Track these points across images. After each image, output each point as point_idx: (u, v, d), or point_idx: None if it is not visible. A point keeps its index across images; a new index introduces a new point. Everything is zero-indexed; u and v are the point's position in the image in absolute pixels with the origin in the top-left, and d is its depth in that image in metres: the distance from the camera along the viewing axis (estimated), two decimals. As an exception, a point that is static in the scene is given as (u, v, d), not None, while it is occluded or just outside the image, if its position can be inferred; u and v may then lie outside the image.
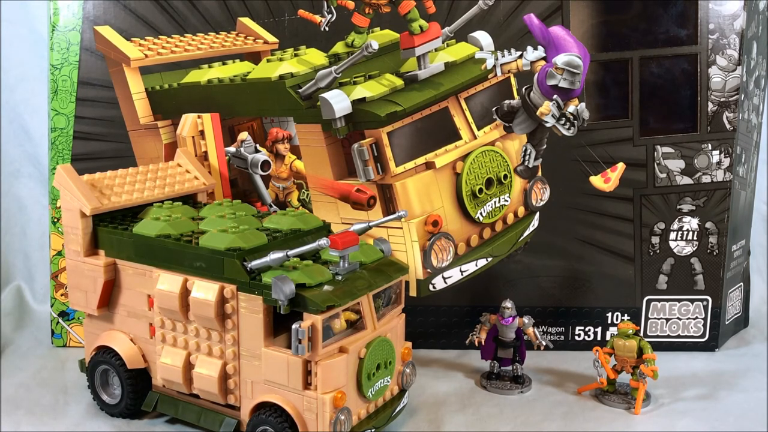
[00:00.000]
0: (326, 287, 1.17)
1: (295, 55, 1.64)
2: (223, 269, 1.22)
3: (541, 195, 1.72)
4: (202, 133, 1.66)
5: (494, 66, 1.62)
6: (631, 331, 1.47)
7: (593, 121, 1.67)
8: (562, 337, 1.75)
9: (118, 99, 1.68)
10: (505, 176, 1.69)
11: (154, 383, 1.38)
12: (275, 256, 1.19)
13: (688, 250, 1.72)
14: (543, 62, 1.60)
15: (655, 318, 1.74)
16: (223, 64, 1.71)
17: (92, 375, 1.42)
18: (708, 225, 1.71)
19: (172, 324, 1.31)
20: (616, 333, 1.51)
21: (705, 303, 1.74)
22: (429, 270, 1.67)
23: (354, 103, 1.56)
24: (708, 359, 1.72)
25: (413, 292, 1.68)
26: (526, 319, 1.55)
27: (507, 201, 1.70)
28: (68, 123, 1.67)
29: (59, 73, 1.66)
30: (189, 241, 1.29)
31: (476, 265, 1.71)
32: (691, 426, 1.40)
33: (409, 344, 1.37)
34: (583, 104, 1.60)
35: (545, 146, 1.68)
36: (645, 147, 1.68)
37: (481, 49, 1.65)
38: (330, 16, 1.64)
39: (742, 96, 1.67)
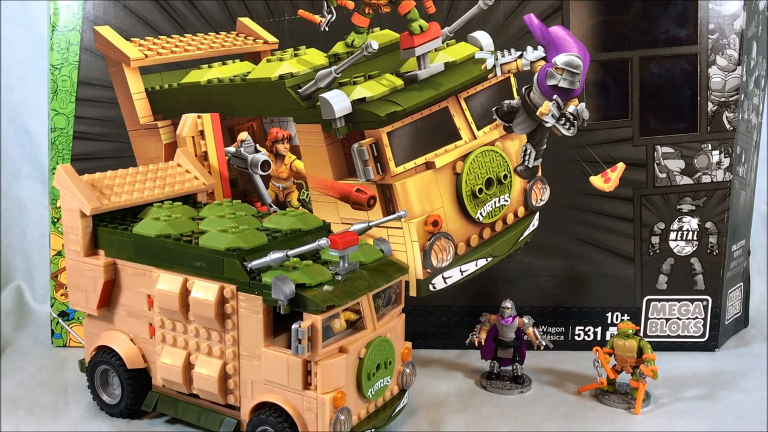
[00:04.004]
0: (326, 287, 1.17)
1: (295, 55, 1.64)
2: (223, 269, 1.23)
3: (541, 195, 1.72)
4: (202, 133, 1.66)
5: (494, 66, 1.62)
6: (631, 331, 1.47)
7: (593, 121, 1.67)
8: (562, 337, 1.75)
9: (118, 99, 1.68)
10: (505, 176, 1.69)
11: (154, 383, 1.38)
12: (275, 256, 1.19)
13: (688, 250, 1.72)
14: (543, 62, 1.60)
15: (655, 318, 1.74)
16: (223, 64, 1.71)
17: (92, 375, 1.42)
18: (708, 225, 1.71)
19: (172, 324, 1.31)
20: (616, 333, 1.51)
21: (705, 303, 1.74)
22: (429, 270, 1.67)
23: (354, 103, 1.56)
24: (708, 359, 1.72)
25: (413, 292, 1.68)
26: (526, 319, 1.55)
27: (507, 201, 1.70)
28: (68, 123, 1.67)
29: (59, 73, 1.66)
30: (189, 241, 1.29)
31: (476, 265, 1.71)
32: (691, 426, 1.40)
33: (409, 344, 1.37)
34: (583, 104, 1.60)
35: (545, 146, 1.68)
36: (645, 147, 1.68)
37: (481, 49, 1.65)
38: (330, 16, 1.64)
39: (742, 96, 1.67)
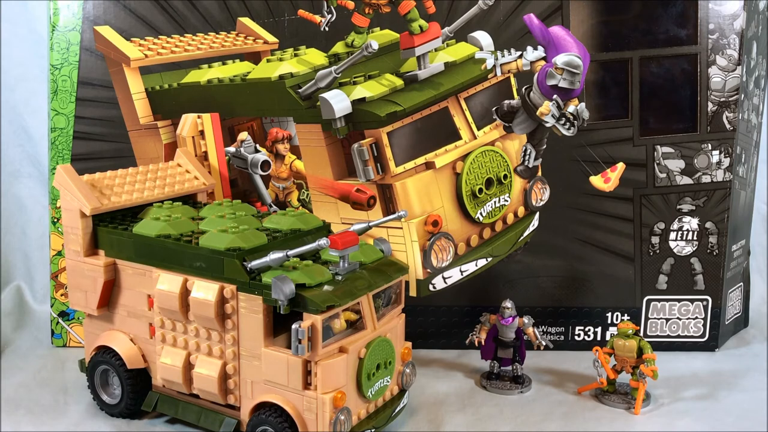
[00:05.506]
0: (326, 287, 1.17)
1: (295, 55, 1.64)
2: (223, 269, 1.22)
3: (541, 195, 1.72)
4: (202, 133, 1.66)
5: (494, 66, 1.62)
6: (631, 331, 1.47)
7: (593, 121, 1.67)
8: (562, 337, 1.75)
9: (118, 99, 1.68)
10: (505, 176, 1.69)
11: (154, 383, 1.38)
12: (275, 256, 1.19)
13: (688, 250, 1.72)
14: (543, 62, 1.60)
15: (655, 318, 1.74)
16: (223, 64, 1.71)
17: (92, 375, 1.42)
18: (708, 225, 1.71)
19: (172, 324, 1.31)
20: (616, 333, 1.51)
21: (705, 303, 1.74)
22: (429, 270, 1.67)
23: (354, 103, 1.56)
24: (708, 359, 1.72)
25: (413, 292, 1.68)
26: (526, 319, 1.55)
27: (507, 201, 1.70)
28: (68, 123, 1.67)
29: (59, 73, 1.66)
30: (189, 241, 1.29)
31: (476, 265, 1.71)
32: (691, 426, 1.40)
33: (409, 344, 1.37)
34: (583, 104, 1.60)
35: (545, 146, 1.68)
36: (645, 147, 1.68)
37: (481, 49, 1.65)
38: (330, 16, 1.64)
39: (742, 96, 1.68)
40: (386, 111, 1.55)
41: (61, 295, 1.72)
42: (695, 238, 1.71)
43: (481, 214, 1.67)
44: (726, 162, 1.68)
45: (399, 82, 1.62)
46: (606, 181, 1.69)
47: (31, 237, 2.05)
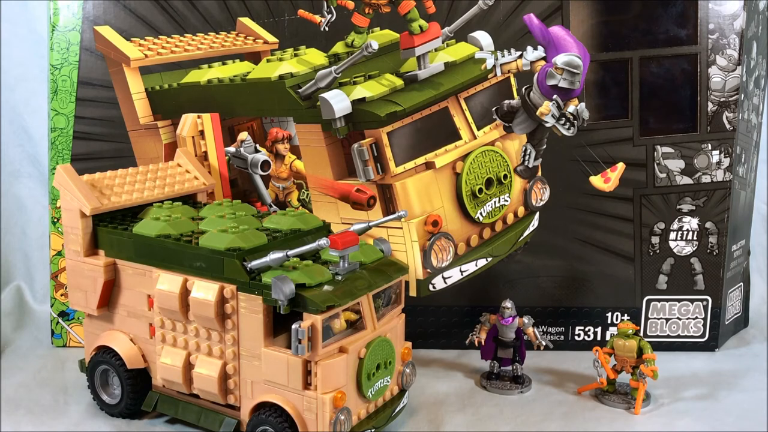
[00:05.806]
0: (326, 287, 1.17)
1: (295, 55, 1.64)
2: (223, 269, 1.23)
3: (541, 195, 1.72)
4: (202, 133, 1.66)
5: (494, 66, 1.62)
6: (631, 331, 1.47)
7: (593, 121, 1.67)
8: (562, 337, 1.75)
9: (118, 99, 1.68)
10: (505, 176, 1.69)
11: (154, 383, 1.38)
12: (275, 256, 1.19)
13: (688, 250, 1.72)
14: (543, 62, 1.60)
15: (655, 318, 1.74)
16: (223, 64, 1.71)
17: (92, 375, 1.42)
18: (708, 225, 1.71)
19: (172, 324, 1.31)
20: (616, 333, 1.51)
21: (705, 303, 1.74)
22: (429, 270, 1.67)
23: (354, 103, 1.56)
24: (708, 359, 1.72)
25: (413, 292, 1.68)
26: (526, 319, 1.55)
27: (507, 201, 1.70)
28: (68, 123, 1.67)
29: (59, 73, 1.66)
30: (189, 241, 1.29)
31: (476, 265, 1.71)
32: (691, 426, 1.40)
33: (409, 344, 1.37)
34: (583, 104, 1.60)
35: (545, 146, 1.68)
36: (645, 147, 1.68)
37: (481, 49, 1.65)
38: (330, 16, 1.64)
39: (742, 96, 1.67)
40: (386, 111, 1.55)
41: (61, 295, 1.72)
42: (695, 238, 1.71)
43: (481, 214, 1.67)
44: (726, 162, 1.68)
45: (399, 82, 1.62)
46: (606, 181, 1.69)
47: (31, 237, 2.05)
